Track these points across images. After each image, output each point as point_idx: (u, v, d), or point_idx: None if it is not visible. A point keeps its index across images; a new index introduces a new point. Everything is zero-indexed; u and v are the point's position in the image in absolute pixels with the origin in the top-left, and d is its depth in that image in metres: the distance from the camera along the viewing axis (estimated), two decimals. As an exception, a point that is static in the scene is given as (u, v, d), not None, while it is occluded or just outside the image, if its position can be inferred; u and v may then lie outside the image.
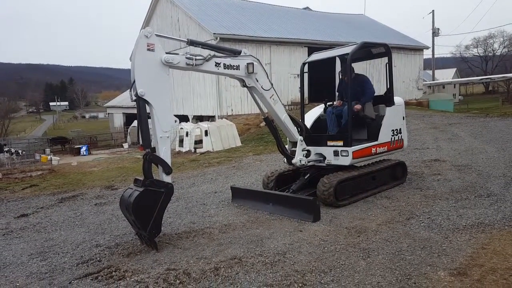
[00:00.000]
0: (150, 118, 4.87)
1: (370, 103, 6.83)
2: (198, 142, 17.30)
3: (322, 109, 7.44)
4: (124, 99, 36.58)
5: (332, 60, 7.13)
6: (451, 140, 12.02)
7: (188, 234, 5.30)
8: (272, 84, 6.07)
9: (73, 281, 4.10)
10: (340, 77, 7.20)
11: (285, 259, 4.22)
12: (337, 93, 7.46)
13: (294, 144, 6.57)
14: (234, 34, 19.90)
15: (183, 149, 17.66)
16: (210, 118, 20.27)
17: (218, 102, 19.95)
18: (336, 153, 6.37)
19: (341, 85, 7.23)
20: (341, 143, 6.35)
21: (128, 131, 30.05)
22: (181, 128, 17.99)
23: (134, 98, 4.78)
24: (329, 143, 6.54)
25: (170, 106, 5.21)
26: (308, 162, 6.58)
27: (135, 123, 25.62)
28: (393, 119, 6.97)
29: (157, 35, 4.86)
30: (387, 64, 7.02)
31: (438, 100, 28.20)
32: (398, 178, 7.19)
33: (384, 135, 6.81)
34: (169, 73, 4.99)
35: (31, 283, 4.19)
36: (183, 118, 20.84)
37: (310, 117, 7.41)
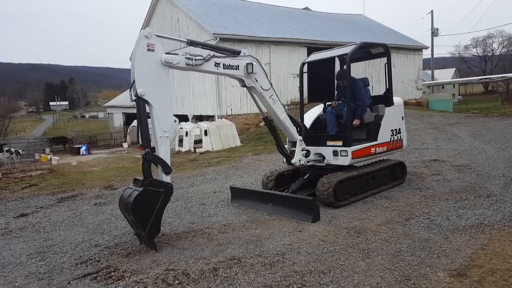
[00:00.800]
0: (149, 118, 4.88)
1: (367, 110, 6.70)
2: (198, 141, 17.31)
3: (322, 109, 7.44)
4: (124, 99, 36.57)
5: (331, 60, 7.14)
6: (451, 140, 12.02)
7: (187, 234, 5.30)
8: (271, 84, 6.08)
9: (72, 281, 4.10)
10: (336, 81, 7.19)
11: (284, 259, 4.22)
12: (336, 92, 7.46)
13: (294, 144, 6.57)
14: (234, 34, 19.89)
15: (183, 149, 17.67)
16: (210, 118, 20.26)
17: (217, 101, 19.94)
18: (335, 153, 6.37)
19: (338, 87, 7.23)
20: (340, 143, 6.35)
21: (128, 130, 30.02)
22: (181, 128, 17.98)
23: (134, 98, 4.79)
24: (328, 143, 6.53)
25: (170, 106, 5.21)
26: (308, 162, 6.58)
27: (134, 122, 25.61)
28: (392, 119, 6.97)
29: (157, 35, 4.87)
30: (386, 64, 7.02)
31: (437, 100, 28.15)
32: (398, 178, 7.20)
33: (384, 135, 6.81)
34: (169, 73, 5.02)
35: (30, 283, 4.19)
36: (182, 118, 20.82)
37: (310, 117, 7.41)
